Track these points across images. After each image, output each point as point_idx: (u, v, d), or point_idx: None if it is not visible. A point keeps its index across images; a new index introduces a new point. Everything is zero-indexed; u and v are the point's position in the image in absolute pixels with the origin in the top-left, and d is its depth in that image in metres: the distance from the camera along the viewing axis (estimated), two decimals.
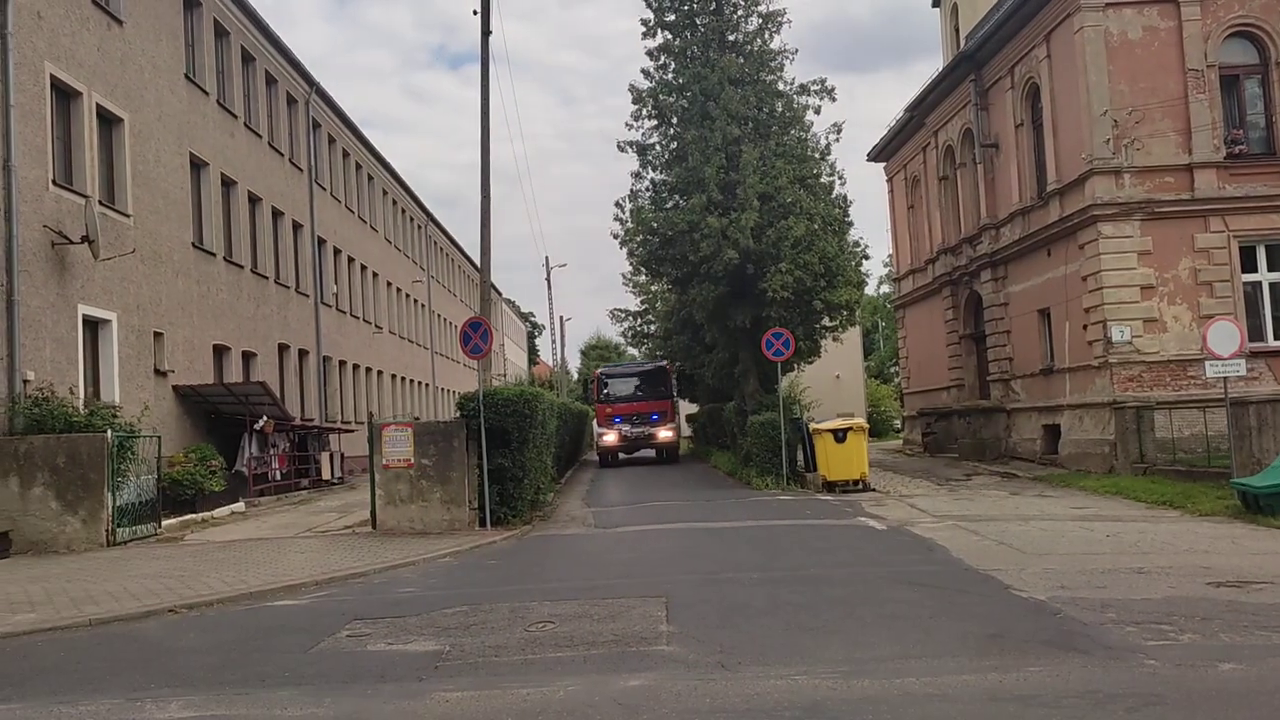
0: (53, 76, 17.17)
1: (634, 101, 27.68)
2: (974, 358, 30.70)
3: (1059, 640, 7.66)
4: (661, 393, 35.89)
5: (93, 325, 18.20)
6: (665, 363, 38.55)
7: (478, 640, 8.46)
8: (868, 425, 23.94)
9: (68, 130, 17.94)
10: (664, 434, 35.41)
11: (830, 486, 21.22)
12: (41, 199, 16.60)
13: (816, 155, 27.54)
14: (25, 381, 15.72)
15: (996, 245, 27.49)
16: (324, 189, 32.99)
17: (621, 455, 36.12)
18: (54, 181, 17.04)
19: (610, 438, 35.53)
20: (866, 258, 29.18)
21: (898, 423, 49.30)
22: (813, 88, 27.50)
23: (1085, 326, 22.35)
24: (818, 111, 30.54)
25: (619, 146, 28.61)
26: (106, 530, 15.32)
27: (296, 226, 29.93)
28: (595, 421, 37.69)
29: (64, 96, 17.83)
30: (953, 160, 31.15)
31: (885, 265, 58.99)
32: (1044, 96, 24.25)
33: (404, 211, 46.18)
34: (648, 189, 28.34)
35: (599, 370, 39.42)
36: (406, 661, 7.90)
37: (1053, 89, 23.79)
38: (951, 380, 31.73)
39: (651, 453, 36.94)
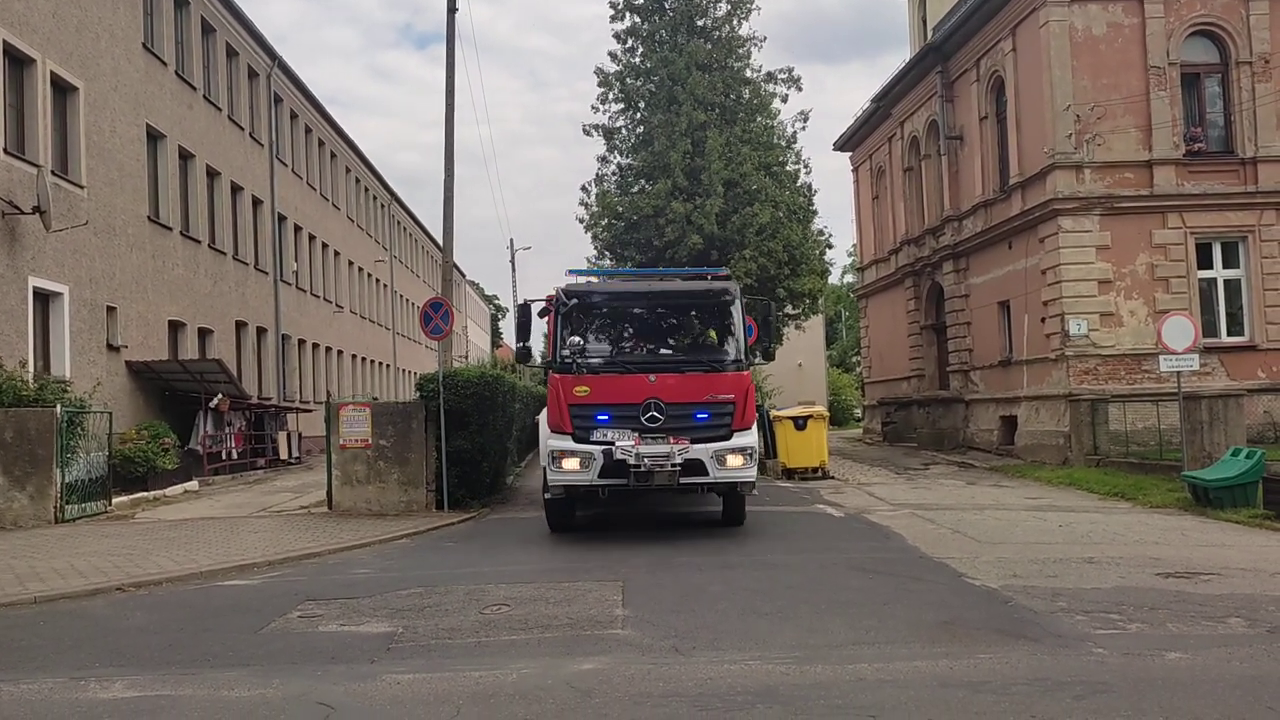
0: (5, 42, 16.72)
1: (600, 85, 27.62)
2: (934, 348, 30.93)
3: (1010, 628, 7.74)
4: (720, 352, 13.11)
5: (43, 298, 17.80)
6: (728, 278, 14.88)
7: (431, 622, 8.39)
8: (828, 414, 24.08)
9: (20, 98, 17.49)
10: (733, 460, 12.35)
11: (790, 474, 21.31)
12: None
13: (782, 144, 27.65)
14: None
15: (959, 237, 27.67)
16: (285, 165, 32.48)
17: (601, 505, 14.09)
18: (5, 150, 16.61)
19: (572, 466, 12.25)
20: (830, 247, 29.47)
21: (858, 411, 49.68)
22: (780, 76, 27.60)
23: (1044, 319, 22.58)
24: (785, 100, 30.52)
25: (585, 130, 28.54)
26: (55, 507, 15.02)
27: (256, 202, 29.46)
28: (547, 416, 13.13)
29: (17, 63, 17.37)
30: (918, 151, 31.29)
31: (849, 255, 59.30)
32: (1009, 90, 24.41)
33: (367, 190, 45.65)
34: (614, 173, 28.32)
35: (568, 285, 13.51)
36: (358, 643, 7.81)
37: (1017, 83, 23.95)
38: (912, 370, 31.96)
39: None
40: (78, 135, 19.00)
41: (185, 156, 24.41)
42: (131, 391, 20.81)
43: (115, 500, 16.89)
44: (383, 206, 48.93)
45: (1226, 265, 22.12)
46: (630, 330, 13.57)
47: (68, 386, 16.95)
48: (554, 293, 12.91)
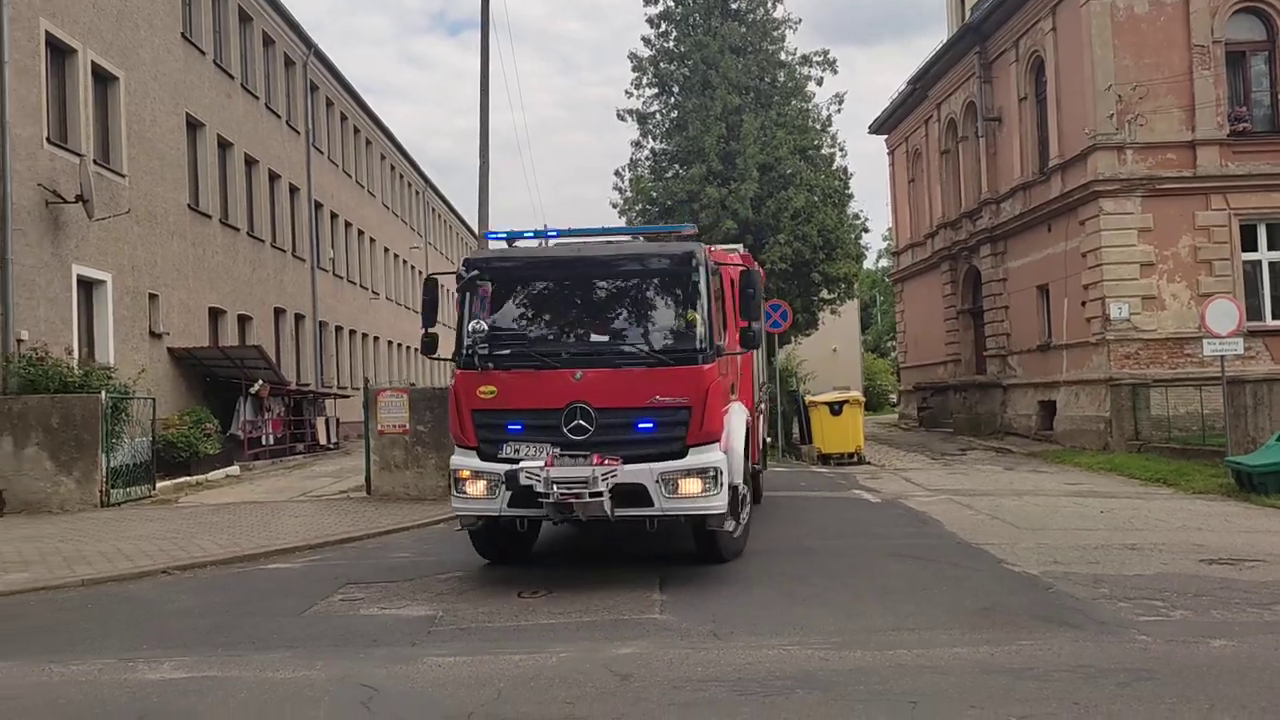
0: (48, 33, 16.94)
1: (634, 69, 27.50)
2: (971, 333, 30.66)
3: (1051, 614, 7.67)
4: (672, 339, 9.26)
5: (87, 286, 18.09)
6: (696, 238, 10.96)
7: (471, 606, 8.47)
8: (864, 399, 23.98)
9: (62, 88, 17.73)
10: (688, 485, 8.92)
11: (825, 459, 21.26)
12: (35, 157, 16.42)
13: (817, 127, 27.43)
14: (19, 341, 15.63)
15: (997, 220, 27.37)
16: (321, 153, 32.73)
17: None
18: (48, 139, 16.85)
19: (477, 491, 9.24)
20: (866, 231, 29.13)
21: (894, 397, 49.37)
22: (815, 59, 27.35)
23: (1084, 303, 22.29)
24: (819, 83, 30.26)
25: (618, 115, 28.43)
26: (100, 491, 15.29)
27: (293, 190, 29.72)
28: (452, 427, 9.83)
29: (59, 53, 17.60)
30: (955, 133, 30.95)
31: (884, 239, 58.81)
32: (1048, 70, 24.06)
33: (402, 177, 45.89)
34: (647, 158, 28.21)
35: (477, 254, 11.10)
36: (399, 625, 7.90)
37: (1058, 63, 23.60)
38: (948, 355, 31.70)
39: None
40: (119, 125, 19.24)
41: (224, 145, 24.66)
42: (174, 378, 21.11)
43: (159, 485, 17.17)
44: (417, 193, 49.17)
45: (1271, 247, 21.67)
46: (554, 310, 9.84)
47: (112, 373, 17.22)
48: (470, 262, 10.02)
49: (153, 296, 20.21)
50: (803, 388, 26.28)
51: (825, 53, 27.23)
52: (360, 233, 37.67)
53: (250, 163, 26.31)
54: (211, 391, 22.62)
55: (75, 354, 16.95)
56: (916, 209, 35.41)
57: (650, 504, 8.84)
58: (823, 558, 10.31)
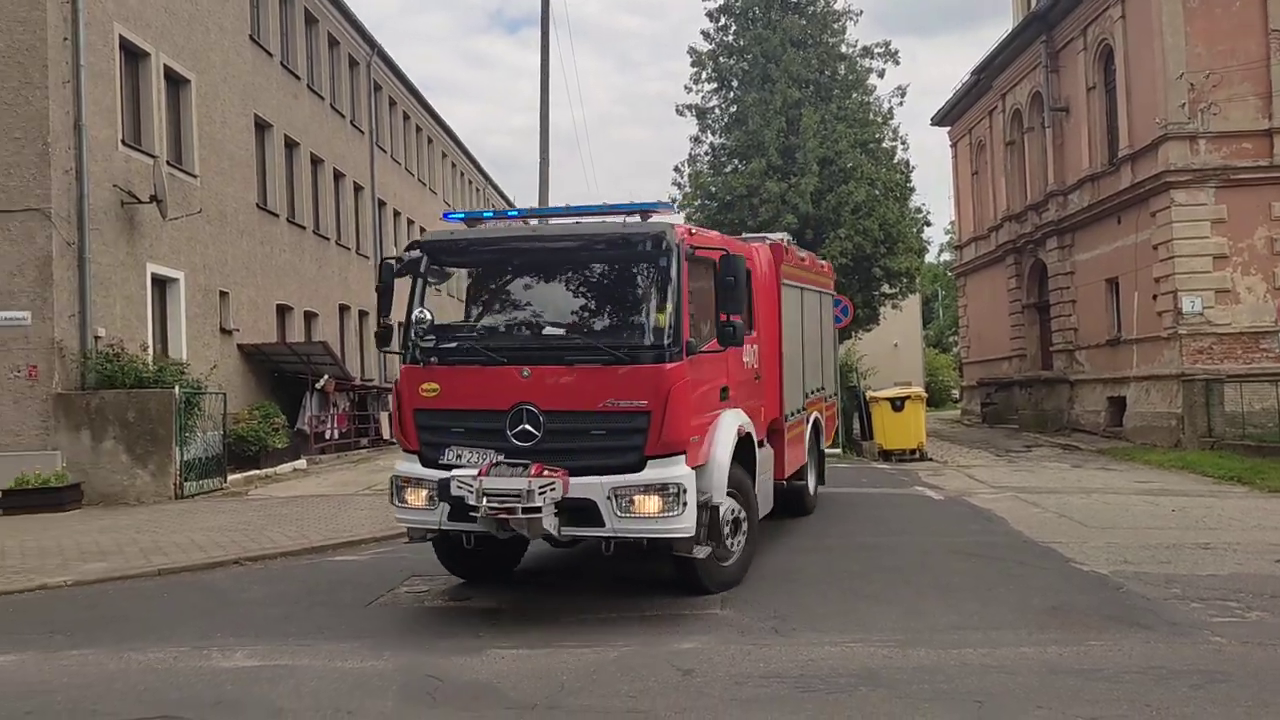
0: (122, 37, 17.41)
1: (693, 64, 27.42)
2: (1037, 327, 30.13)
3: (1121, 615, 7.53)
4: (631, 332, 8.07)
5: (161, 283, 18.56)
6: (670, 208, 9.40)
7: (533, 599, 8.56)
8: (926, 394, 23.69)
9: (136, 91, 18.21)
10: (645, 503, 7.70)
11: (887, 455, 21.05)
12: (111, 158, 16.90)
13: (879, 119, 27.13)
14: (97, 337, 16.10)
15: (1064, 212, 26.84)
16: (384, 151, 33.19)
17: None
18: (123, 141, 17.33)
19: (417, 500, 8.26)
20: (928, 224, 28.77)
21: (956, 393, 48.66)
22: (876, 50, 27.05)
23: (1155, 297, 21.77)
24: (881, 75, 29.92)
25: (677, 110, 28.38)
26: (174, 484, 15.71)
27: (357, 188, 30.20)
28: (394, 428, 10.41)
29: (133, 57, 18.08)
30: (1020, 124, 30.41)
31: (946, 232, 57.94)
32: (1118, 59, 23.52)
33: (463, 175, 46.39)
34: (706, 153, 28.13)
35: (425, 236, 9.49)
36: (464, 617, 8.02)
37: (1127, 51, 23.05)
38: (1013, 350, 31.19)
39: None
40: (191, 126, 19.71)
41: (291, 145, 25.13)
42: (244, 373, 21.59)
43: (230, 477, 17.59)
44: (477, 190, 49.66)
45: None
46: (503, 298, 8.88)
47: (185, 368, 17.65)
48: (414, 246, 9.02)
49: (223, 294, 20.68)
50: (863, 383, 25.98)
51: (887, 44, 26.94)
52: (422, 230, 38.07)
53: (316, 162, 26.78)
54: (279, 387, 23.08)
55: (150, 350, 17.42)
56: (980, 202, 34.87)
57: (601, 523, 7.60)
58: (884, 555, 10.23)
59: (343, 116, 29.22)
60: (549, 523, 7.49)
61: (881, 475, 18.25)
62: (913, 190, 27.62)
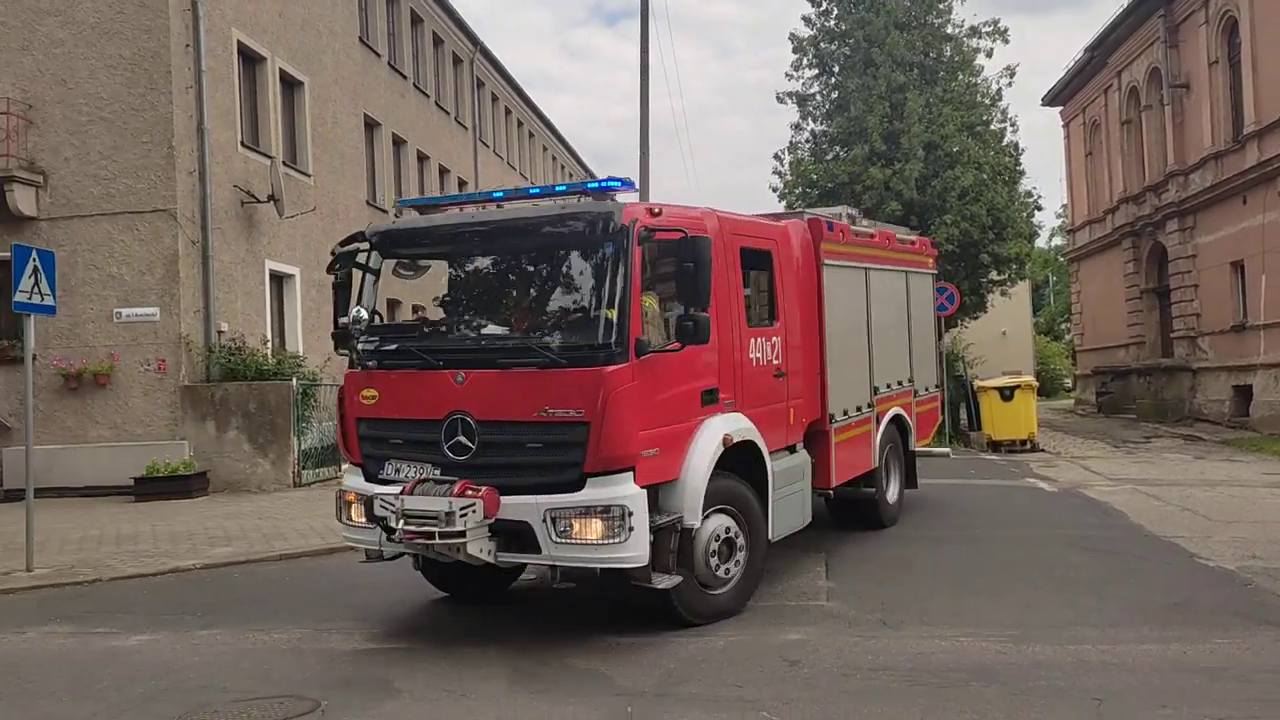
0: (239, 42, 18.10)
1: (794, 51, 27.07)
2: (1156, 313, 28.98)
3: (1250, 612, 7.22)
4: (568, 331, 6.94)
5: (278, 279, 19.27)
6: (629, 187, 7.39)
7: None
8: (1036, 383, 23.03)
9: (253, 94, 18.92)
10: (584, 528, 6.65)
11: (996, 446, 20.55)
12: (231, 160, 17.60)
13: (986, 101, 26.35)
14: (220, 332, 16.83)
15: (1185, 193, 25.72)
16: (487, 146, 33.77)
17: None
18: (242, 143, 18.03)
19: (359, 517, 7.47)
20: (1039, 209, 27.78)
21: (1069, 382, 47.14)
22: (984, 30, 26.27)
23: None
24: (989, 55, 29.10)
25: (778, 98, 28.06)
26: (292, 472, 16.32)
27: (461, 184, 30.80)
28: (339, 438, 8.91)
29: (250, 61, 18.78)
30: (1137, 103, 29.23)
31: (1058, 216, 56.03)
32: (1243, 31, 22.40)
33: (564, 168, 46.85)
34: (807, 141, 27.76)
35: (366, 229, 8.23)
36: (571, 605, 8.13)
37: (1253, 22, 21.94)
38: (1130, 337, 30.06)
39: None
40: (304, 127, 20.39)
41: (398, 143, 25.77)
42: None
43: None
44: None
45: None
46: (451, 294, 8.14)
47: (301, 361, 18.30)
48: (365, 236, 8.06)
49: None
50: (970, 372, 25.37)
51: (995, 22, 26.10)
52: None
53: (421, 159, 27.41)
54: None
55: (269, 343, 18.11)
56: (1095, 184, 33.66)
57: (537, 549, 6.65)
58: (995, 547, 10.00)
59: (447, 113, 29.83)
60: (479, 547, 6.61)
61: (990, 466, 17.82)
62: (1023, 173, 26.73)
